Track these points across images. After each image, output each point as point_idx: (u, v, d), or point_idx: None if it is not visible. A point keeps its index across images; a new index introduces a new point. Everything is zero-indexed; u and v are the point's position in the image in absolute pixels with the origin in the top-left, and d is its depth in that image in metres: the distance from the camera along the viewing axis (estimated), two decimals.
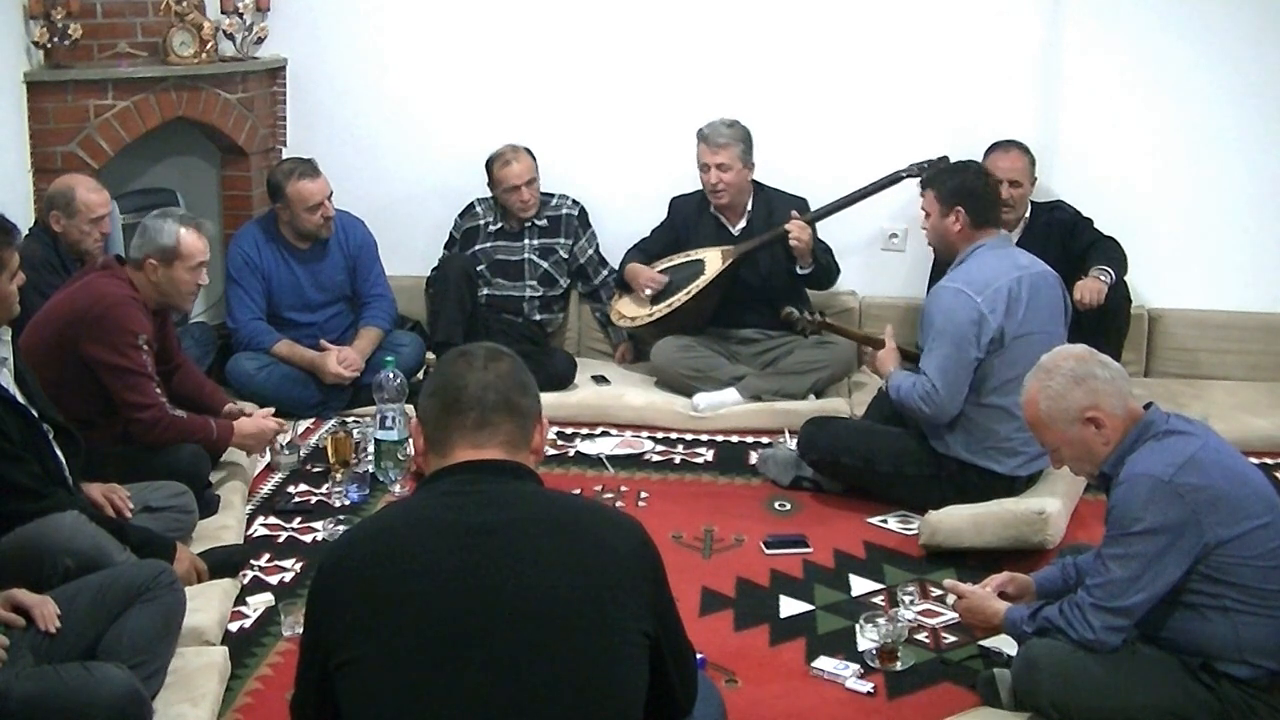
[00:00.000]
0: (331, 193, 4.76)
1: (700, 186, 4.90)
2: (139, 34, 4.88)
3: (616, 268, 5.16)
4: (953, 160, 4.35)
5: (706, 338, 4.91)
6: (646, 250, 5.05)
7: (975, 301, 3.67)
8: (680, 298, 4.82)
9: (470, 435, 1.94)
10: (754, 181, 4.88)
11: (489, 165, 5.07)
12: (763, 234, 4.81)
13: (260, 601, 3.35)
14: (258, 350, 4.72)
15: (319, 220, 4.74)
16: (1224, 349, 5.08)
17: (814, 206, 4.88)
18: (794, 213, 4.74)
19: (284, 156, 5.29)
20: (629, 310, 5.00)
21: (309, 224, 4.74)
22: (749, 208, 4.89)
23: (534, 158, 5.07)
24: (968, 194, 3.80)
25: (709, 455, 4.46)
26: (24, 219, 4.33)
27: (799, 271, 4.78)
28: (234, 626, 3.22)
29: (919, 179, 4.20)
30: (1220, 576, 2.54)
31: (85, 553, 2.85)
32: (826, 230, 4.86)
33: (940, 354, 3.71)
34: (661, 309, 4.87)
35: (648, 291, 4.91)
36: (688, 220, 4.99)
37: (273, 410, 4.14)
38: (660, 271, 4.93)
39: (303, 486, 4.14)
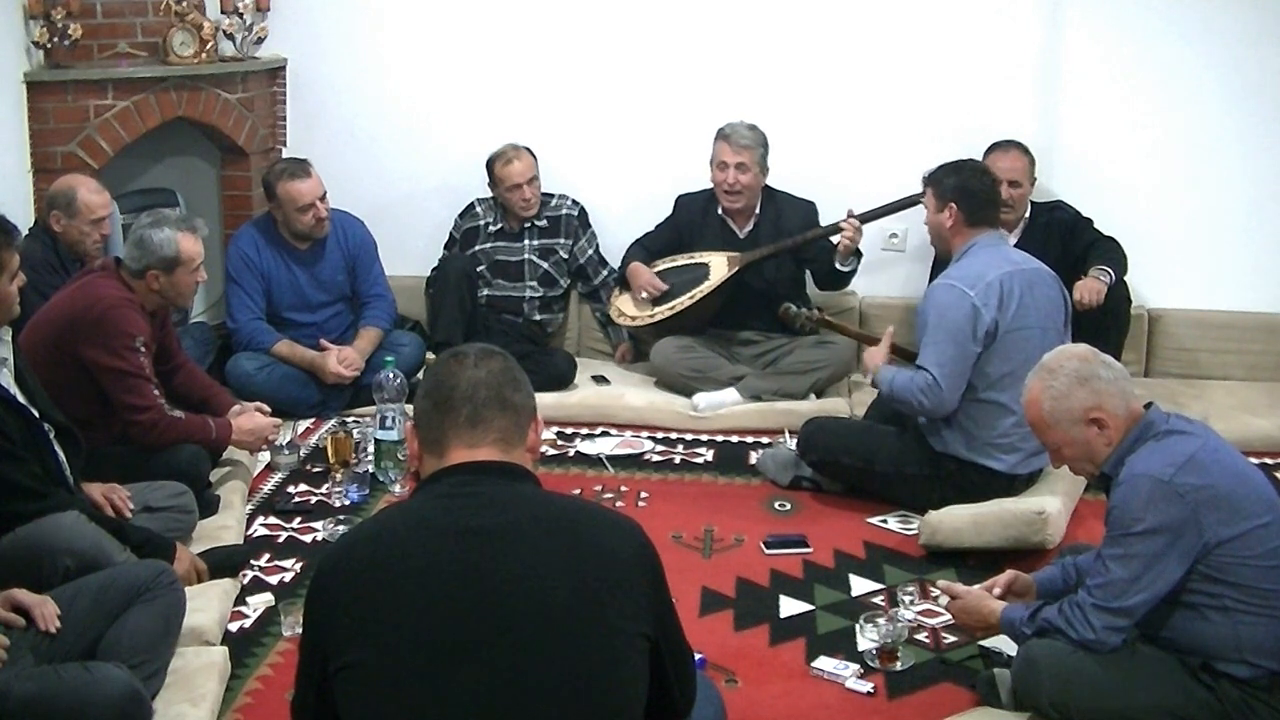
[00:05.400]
0: (325, 193, 4.74)
1: (707, 186, 4.88)
2: (139, 34, 4.88)
3: (617, 266, 5.16)
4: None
5: (706, 338, 4.91)
6: (648, 247, 5.04)
7: (969, 295, 3.67)
8: (683, 302, 4.82)
9: (464, 433, 1.93)
10: (765, 186, 4.87)
11: (490, 164, 5.07)
12: (769, 240, 4.80)
13: (260, 601, 3.35)
14: (257, 350, 4.71)
15: (311, 221, 4.73)
16: (1224, 349, 5.08)
17: (821, 210, 4.87)
18: (850, 211, 4.68)
19: (283, 156, 5.29)
20: (629, 309, 5.00)
21: (301, 224, 4.74)
22: (757, 212, 4.88)
23: (535, 157, 5.07)
24: (962, 192, 3.81)
25: (709, 455, 4.46)
26: (24, 219, 4.33)
27: (840, 269, 4.74)
28: (234, 626, 3.22)
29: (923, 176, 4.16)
30: (1220, 576, 2.54)
31: (85, 553, 2.85)
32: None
33: (938, 348, 3.71)
34: (663, 311, 4.87)
35: (644, 295, 4.91)
36: (693, 219, 4.98)
37: (270, 410, 4.13)
38: (663, 271, 4.92)
39: (303, 486, 4.14)
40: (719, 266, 4.81)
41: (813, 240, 4.77)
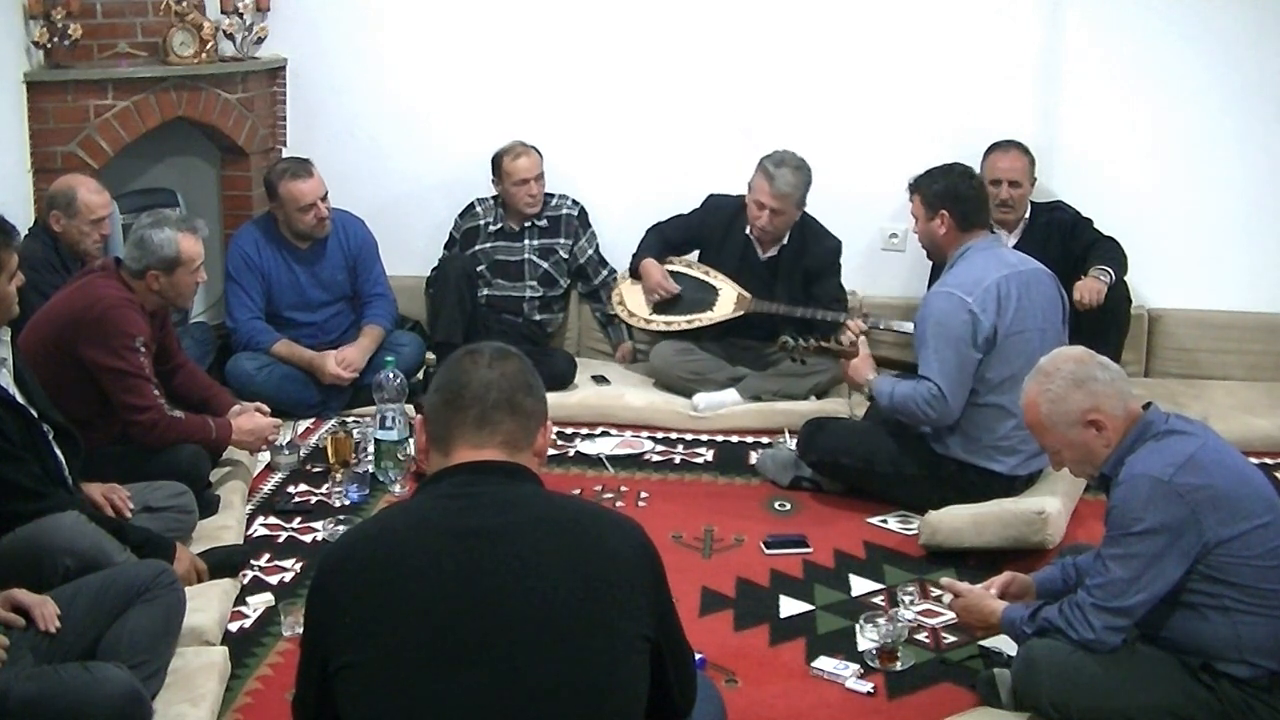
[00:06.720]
0: (326, 193, 4.74)
1: (742, 192, 4.79)
2: (139, 34, 4.88)
3: (617, 266, 5.16)
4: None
5: (706, 340, 4.89)
6: (668, 237, 4.98)
7: (966, 302, 3.67)
8: (680, 322, 4.80)
9: (470, 434, 1.93)
10: None
11: (497, 158, 5.06)
12: (789, 267, 4.74)
13: (260, 601, 3.35)
14: (257, 350, 4.71)
15: (312, 221, 4.73)
16: (1224, 349, 5.08)
17: (826, 215, 4.84)
18: (865, 314, 4.66)
19: (284, 156, 5.29)
20: (631, 303, 4.98)
21: (302, 224, 4.74)
22: (784, 241, 4.80)
23: (541, 156, 5.06)
24: (953, 197, 3.80)
25: (709, 455, 4.46)
26: (24, 219, 4.33)
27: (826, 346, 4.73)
28: (234, 626, 3.22)
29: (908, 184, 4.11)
30: (1220, 576, 2.54)
31: (85, 553, 2.85)
32: (831, 228, 4.85)
33: (940, 357, 3.71)
34: (660, 323, 4.86)
35: (655, 297, 4.90)
36: (717, 228, 4.89)
37: (269, 410, 4.13)
38: (675, 273, 4.89)
39: (303, 486, 4.14)
40: (726, 301, 4.77)
41: (819, 321, 4.61)
